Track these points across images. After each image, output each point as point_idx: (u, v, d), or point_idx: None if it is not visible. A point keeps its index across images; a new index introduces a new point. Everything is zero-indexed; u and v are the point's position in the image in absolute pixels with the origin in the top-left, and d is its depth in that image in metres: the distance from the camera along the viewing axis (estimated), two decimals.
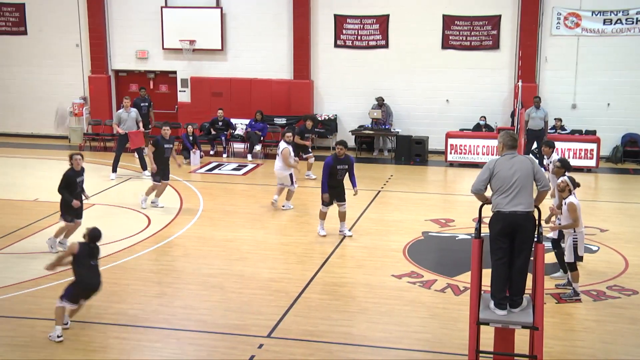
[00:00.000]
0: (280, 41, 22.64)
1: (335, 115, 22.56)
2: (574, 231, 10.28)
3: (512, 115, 20.70)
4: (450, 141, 20.53)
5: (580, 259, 10.66)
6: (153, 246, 12.80)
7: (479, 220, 7.45)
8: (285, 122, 22.29)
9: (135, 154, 18.69)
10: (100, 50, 23.62)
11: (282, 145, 15.35)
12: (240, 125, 22.06)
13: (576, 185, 10.58)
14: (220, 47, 22.90)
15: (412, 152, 21.03)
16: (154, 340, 9.12)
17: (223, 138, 21.57)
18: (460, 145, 20.45)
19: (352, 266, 11.91)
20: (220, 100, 22.76)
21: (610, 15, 20.65)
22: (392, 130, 21.75)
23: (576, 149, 19.77)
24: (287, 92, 22.68)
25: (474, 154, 20.33)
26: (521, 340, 7.81)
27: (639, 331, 9.38)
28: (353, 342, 9.01)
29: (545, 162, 13.33)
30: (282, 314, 9.81)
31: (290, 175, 15.24)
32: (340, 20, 22.25)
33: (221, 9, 22.73)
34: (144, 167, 18.27)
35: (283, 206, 15.29)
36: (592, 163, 19.76)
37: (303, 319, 9.68)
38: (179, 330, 9.39)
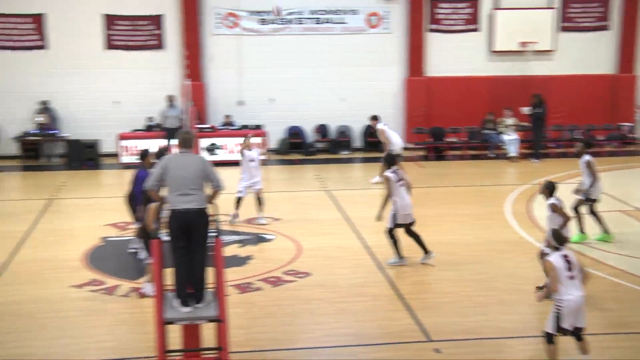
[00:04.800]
0: None
1: None
2: None
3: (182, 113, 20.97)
4: (123, 143, 20.16)
5: None
6: None
7: (157, 221, 7.41)
8: None
9: None
10: None
11: None
12: None
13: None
14: None
15: (84, 156, 20.30)
16: None
17: None
18: (134, 147, 20.18)
19: (26, 282, 11.09)
20: None
21: (265, 15, 21.82)
22: (60, 134, 20.75)
23: None
24: None
25: None
26: (211, 334, 7.93)
27: (314, 309, 10.08)
28: None
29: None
30: None
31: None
32: None
33: None
34: None
35: None
36: (262, 156, 20.71)
37: None
38: None
